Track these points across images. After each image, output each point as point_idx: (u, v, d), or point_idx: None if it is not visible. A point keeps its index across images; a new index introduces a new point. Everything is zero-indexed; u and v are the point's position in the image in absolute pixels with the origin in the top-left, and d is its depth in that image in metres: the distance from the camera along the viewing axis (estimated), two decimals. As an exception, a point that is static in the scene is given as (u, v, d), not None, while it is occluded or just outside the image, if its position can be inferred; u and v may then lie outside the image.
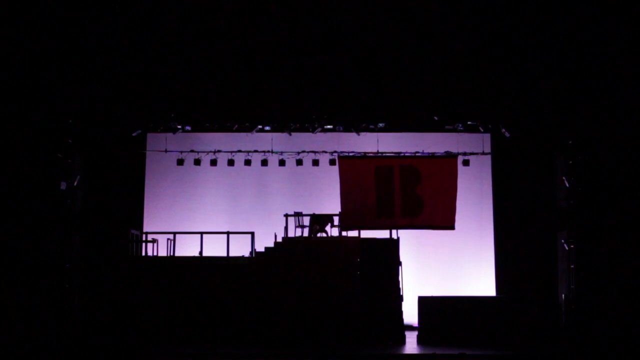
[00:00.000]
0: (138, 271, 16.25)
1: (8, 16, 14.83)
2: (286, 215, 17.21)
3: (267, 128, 17.47)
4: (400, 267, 16.35)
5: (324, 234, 17.06)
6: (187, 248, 17.08)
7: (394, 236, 16.81)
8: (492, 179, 18.82)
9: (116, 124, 16.89)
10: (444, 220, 17.21)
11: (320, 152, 17.70)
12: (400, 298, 16.20)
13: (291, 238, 16.81)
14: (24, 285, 14.93)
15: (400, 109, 16.66)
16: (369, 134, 17.56)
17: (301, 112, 16.86)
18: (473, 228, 18.55)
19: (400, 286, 16.27)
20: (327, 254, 16.22)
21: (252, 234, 16.98)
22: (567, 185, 16.20)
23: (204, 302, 15.98)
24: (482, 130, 17.36)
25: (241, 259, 16.63)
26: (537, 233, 17.61)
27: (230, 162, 17.74)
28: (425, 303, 16.10)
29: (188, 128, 17.52)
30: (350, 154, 17.65)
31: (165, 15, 15.52)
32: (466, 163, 17.52)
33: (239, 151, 17.76)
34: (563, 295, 16.20)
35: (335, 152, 17.60)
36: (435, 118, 16.84)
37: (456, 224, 17.21)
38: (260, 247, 16.69)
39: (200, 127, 17.64)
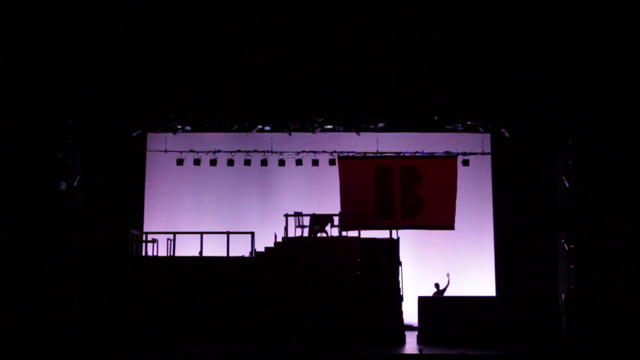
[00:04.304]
0: (138, 271, 16.25)
1: (8, 16, 14.82)
2: (286, 215, 17.20)
3: (267, 128, 17.46)
4: (400, 267, 16.35)
5: (324, 234, 17.05)
6: (187, 248, 17.07)
7: (394, 236, 16.81)
8: (492, 179, 18.82)
9: (116, 124, 16.89)
10: (443, 220, 17.21)
11: (320, 152, 17.69)
12: (400, 298, 16.21)
13: (291, 238, 16.81)
14: (24, 285, 14.93)
15: (400, 109, 16.66)
16: (369, 134, 17.55)
17: (301, 112, 16.85)
18: (473, 228, 18.53)
19: (400, 286, 16.28)
20: (327, 254, 16.22)
21: (252, 234, 16.97)
22: (567, 185, 16.20)
23: (204, 302, 15.98)
24: (482, 130, 17.36)
25: (241, 259, 16.63)
26: (537, 233, 17.61)
27: (230, 162, 17.73)
28: (425, 303, 16.11)
29: (188, 128, 17.52)
30: (350, 154, 17.65)
31: (165, 15, 15.51)
32: (466, 163, 17.51)
33: (239, 151, 17.76)
34: (563, 295, 16.19)
35: (335, 152, 17.60)
36: (435, 118, 16.83)
37: (456, 224, 17.21)
38: (260, 247, 16.69)
39: (200, 127, 17.64)
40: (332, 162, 17.55)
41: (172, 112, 16.84)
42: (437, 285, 17.08)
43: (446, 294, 16.92)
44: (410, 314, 16.67)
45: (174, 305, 15.96)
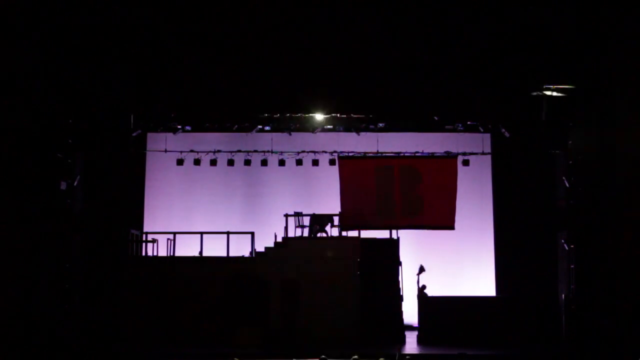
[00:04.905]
0: (138, 271, 16.25)
1: (9, 17, 14.82)
2: (286, 215, 17.20)
3: (267, 128, 17.47)
4: (400, 267, 16.35)
5: (324, 234, 17.06)
6: (187, 248, 17.07)
7: (394, 236, 16.82)
8: (492, 179, 18.82)
9: (116, 124, 16.89)
10: (443, 220, 17.22)
11: (320, 152, 17.69)
12: (400, 298, 16.21)
13: (291, 238, 16.82)
14: (24, 285, 14.93)
15: (400, 109, 16.66)
16: (369, 134, 17.56)
17: (301, 112, 16.85)
18: (473, 228, 18.54)
19: (400, 286, 16.29)
20: (327, 254, 16.22)
21: (252, 234, 16.98)
22: (567, 185, 16.20)
23: (203, 302, 15.98)
24: (482, 130, 17.36)
25: (241, 259, 16.64)
26: (537, 233, 17.60)
27: (230, 162, 17.72)
28: (425, 303, 16.11)
29: (188, 128, 17.52)
30: (350, 154, 17.65)
31: (165, 15, 15.51)
32: (466, 163, 17.51)
33: (239, 151, 17.75)
34: (563, 295, 16.19)
35: (335, 152, 17.60)
36: (435, 118, 16.84)
37: (456, 224, 17.21)
38: (260, 247, 16.70)
39: (200, 127, 17.64)
40: (332, 162, 17.55)
41: (172, 112, 16.84)
42: (423, 287, 17.06)
43: (444, 294, 16.93)
44: (410, 314, 16.69)
45: (174, 305, 15.96)
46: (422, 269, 16.58)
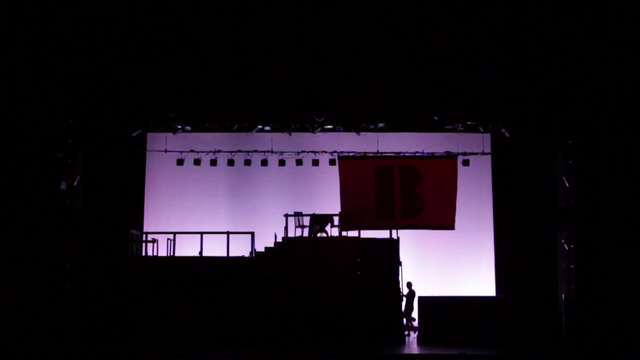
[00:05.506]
0: (138, 271, 16.25)
1: (9, 16, 14.83)
2: (286, 215, 17.21)
3: (267, 128, 17.46)
4: (400, 267, 16.35)
5: (324, 234, 17.06)
6: (187, 248, 17.08)
7: (394, 236, 16.82)
8: (492, 179, 18.82)
9: (116, 124, 16.89)
10: (444, 220, 17.22)
11: (320, 152, 17.68)
12: (401, 298, 16.21)
13: (291, 238, 16.83)
14: (25, 285, 14.94)
15: (400, 109, 16.66)
16: (369, 134, 17.55)
17: (301, 112, 16.84)
18: (473, 228, 18.54)
19: (400, 286, 16.28)
20: (327, 254, 16.23)
21: (252, 234, 16.99)
22: (567, 185, 16.20)
23: (204, 302, 15.98)
24: (482, 130, 17.35)
25: (241, 259, 16.64)
26: (537, 233, 17.60)
27: (230, 162, 17.71)
28: (425, 303, 16.11)
29: (188, 128, 17.51)
30: (350, 154, 17.64)
31: (165, 16, 15.51)
32: (466, 163, 17.51)
33: (239, 151, 17.75)
34: (563, 295, 16.20)
35: (335, 152, 17.59)
36: (435, 118, 16.83)
37: (456, 224, 17.21)
38: (260, 247, 16.70)
39: (200, 127, 17.63)
40: (332, 162, 17.54)
41: (172, 112, 16.85)
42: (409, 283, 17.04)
43: (444, 294, 16.93)
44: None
45: (174, 305, 15.96)
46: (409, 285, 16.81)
